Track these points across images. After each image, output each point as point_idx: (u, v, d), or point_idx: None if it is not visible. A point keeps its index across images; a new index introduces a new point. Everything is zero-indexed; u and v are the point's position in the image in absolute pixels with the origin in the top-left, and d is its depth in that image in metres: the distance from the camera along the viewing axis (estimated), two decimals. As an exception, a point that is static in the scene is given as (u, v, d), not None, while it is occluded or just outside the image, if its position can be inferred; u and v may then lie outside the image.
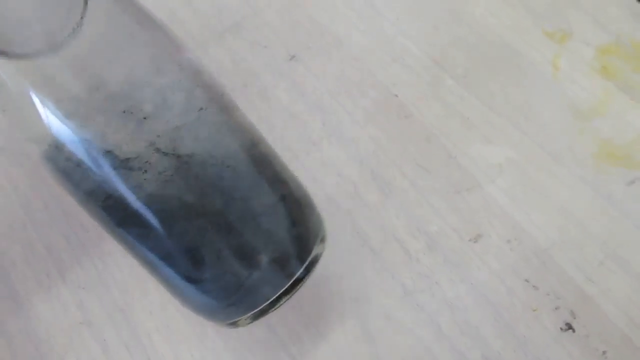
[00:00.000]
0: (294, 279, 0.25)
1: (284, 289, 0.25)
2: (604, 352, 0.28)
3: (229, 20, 0.38)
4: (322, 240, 0.27)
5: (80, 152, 0.20)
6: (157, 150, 0.21)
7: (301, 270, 0.26)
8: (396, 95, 0.35)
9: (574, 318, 0.29)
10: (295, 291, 0.26)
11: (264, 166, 0.25)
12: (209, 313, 0.26)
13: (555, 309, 0.29)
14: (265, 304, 0.25)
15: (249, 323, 0.26)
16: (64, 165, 0.21)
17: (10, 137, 0.36)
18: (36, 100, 0.20)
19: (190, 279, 0.24)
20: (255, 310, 0.25)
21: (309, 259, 0.26)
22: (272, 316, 0.27)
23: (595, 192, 0.32)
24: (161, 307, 0.31)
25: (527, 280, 0.30)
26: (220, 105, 0.23)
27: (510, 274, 0.30)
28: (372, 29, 0.37)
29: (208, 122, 0.22)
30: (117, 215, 0.22)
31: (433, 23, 0.37)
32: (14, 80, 0.20)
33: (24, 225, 0.33)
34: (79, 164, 0.21)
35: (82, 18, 0.19)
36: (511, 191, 0.32)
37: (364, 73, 0.36)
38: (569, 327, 0.29)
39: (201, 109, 0.22)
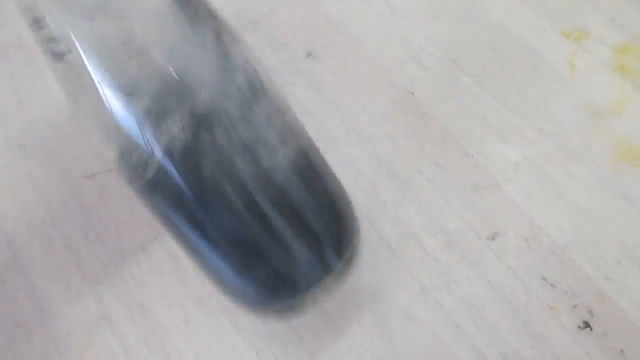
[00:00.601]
0: (331, 271, 0.26)
1: (320, 281, 0.26)
2: (622, 350, 0.28)
3: (246, 18, 0.38)
4: (358, 234, 0.28)
5: (136, 134, 0.21)
6: (212, 136, 0.21)
7: (338, 262, 0.26)
8: (413, 94, 0.35)
9: (592, 316, 0.29)
10: (334, 285, 0.26)
11: (308, 156, 0.25)
12: (250, 301, 0.26)
13: (573, 307, 0.29)
14: (302, 296, 0.26)
15: (285, 314, 0.27)
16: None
17: (30, 133, 0.36)
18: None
19: (233, 267, 0.24)
20: (293, 302, 0.26)
21: (347, 250, 0.26)
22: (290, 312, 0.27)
23: (612, 190, 0.32)
24: (180, 302, 0.31)
25: (544, 279, 0.30)
26: (271, 95, 0.24)
27: (528, 272, 0.30)
28: (389, 27, 0.38)
29: (262, 113, 0.22)
30: (168, 199, 0.22)
31: (450, 22, 0.37)
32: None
33: (43, 221, 0.33)
34: (136, 147, 0.21)
35: None
36: (528, 190, 0.32)
37: (381, 71, 0.36)
38: (587, 325, 0.29)
39: (256, 99, 0.22)
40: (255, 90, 0.23)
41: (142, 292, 0.31)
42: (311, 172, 0.25)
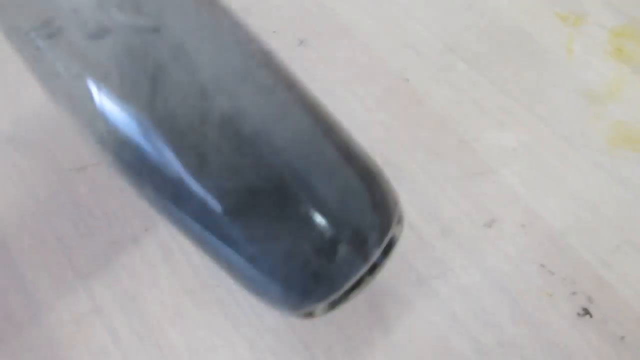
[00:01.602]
0: (371, 263, 0.23)
1: (359, 273, 0.23)
2: (622, 337, 0.28)
3: (237, 4, 0.37)
4: (400, 220, 0.25)
5: (138, 136, 0.20)
6: (222, 129, 0.20)
7: (379, 253, 0.24)
8: (407, 80, 0.35)
9: (591, 303, 0.29)
10: (374, 276, 0.24)
11: (338, 140, 0.23)
12: (281, 302, 0.24)
13: (572, 294, 0.29)
14: (341, 291, 0.23)
15: (325, 313, 0.24)
16: (128, 158, 0.21)
17: (18, 125, 0.35)
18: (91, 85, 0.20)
19: (261, 263, 0.22)
20: (331, 299, 0.23)
21: (387, 240, 0.24)
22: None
23: (610, 176, 0.31)
24: (172, 294, 0.30)
25: (542, 266, 0.30)
26: (286, 81, 0.23)
27: (525, 259, 0.30)
28: (382, 13, 0.37)
29: (275, 100, 0.22)
30: (187, 199, 0.21)
31: (444, 7, 0.37)
32: (69, 65, 0.20)
33: (32, 214, 0.33)
34: (142, 154, 0.20)
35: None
36: (525, 176, 0.32)
37: (374, 58, 0.36)
38: (586, 312, 0.29)
39: (270, 89, 0.22)
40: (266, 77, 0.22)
41: (134, 284, 0.31)
42: (338, 150, 0.23)
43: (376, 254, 0.23)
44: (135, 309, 0.30)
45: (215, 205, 0.21)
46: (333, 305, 0.24)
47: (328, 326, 0.29)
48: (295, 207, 0.21)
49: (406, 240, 0.31)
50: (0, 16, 0.21)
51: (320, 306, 0.24)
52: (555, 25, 0.35)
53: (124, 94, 0.20)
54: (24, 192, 0.34)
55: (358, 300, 0.30)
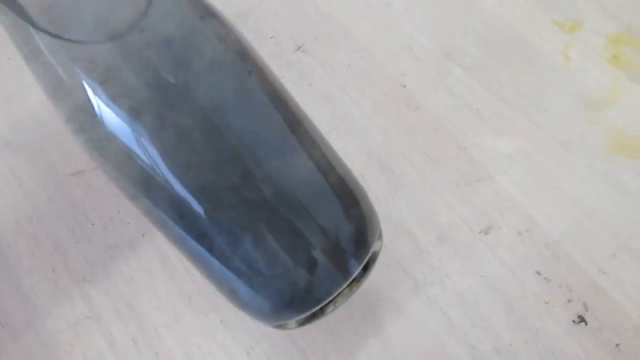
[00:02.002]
0: (351, 279, 0.23)
1: (340, 289, 0.23)
2: (617, 345, 0.28)
3: (235, 10, 0.38)
4: (380, 236, 0.25)
5: (129, 140, 0.20)
6: (208, 136, 0.20)
7: (359, 268, 0.23)
8: (404, 86, 0.35)
9: (587, 310, 0.29)
10: (353, 292, 0.24)
11: (316, 154, 0.23)
12: (258, 313, 0.24)
13: (568, 301, 0.29)
14: (318, 306, 0.23)
15: (299, 326, 0.24)
16: (115, 155, 0.21)
17: (15, 130, 0.35)
18: (87, 87, 0.20)
19: (239, 275, 0.22)
20: (306, 314, 0.23)
21: (368, 256, 0.24)
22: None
23: (606, 182, 0.31)
24: (169, 300, 0.30)
25: (538, 273, 0.30)
26: (270, 91, 0.23)
27: (522, 265, 0.30)
28: (379, 18, 0.37)
29: (257, 107, 0.22)
30: (166, 205, 0.21)
31: (442, 12, 0.37)
32: (68, 66, 0.20)
33: (29, 219, 0.33)
34: (130, 153, 0.20)
35: (146, 10, 0.20)
36: (522, 182, 0.32)
37: (372, 63, 0.36)
38: (582, 319, 0.29)
39: (262, 105, 0.22)
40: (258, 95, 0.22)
41: (131, 290, 0.31)
42: (317, 165, 0.23)
43: (356, 269, 0.23)
44: (132, 315, 0.30)
45: (199, 216, 0.21)
46: (309, 319, 0.24)
47: (324, 333, 0.29)
48: (276, 223, 0.21)
49: (403, 247, 0.31)
50: (3, 11, 0.21)
51: (296, 320, 0.24)
52: (552, 32, 0.36)
53: (126, 102, 0.20)
54: (21, 196, 0.34)
55: (354, 306, 0.30)
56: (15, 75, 0.37)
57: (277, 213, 0.21)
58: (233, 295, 0.23)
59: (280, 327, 0.25)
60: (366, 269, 0.24)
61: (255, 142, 0.21)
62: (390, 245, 0.31)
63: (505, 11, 0.36)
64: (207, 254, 0.22)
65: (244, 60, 0.22)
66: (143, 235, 0.32)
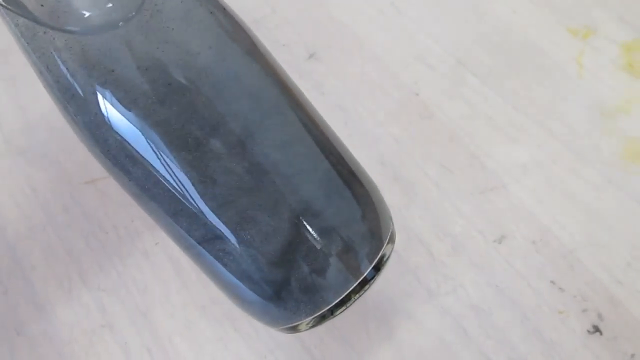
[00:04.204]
0: (361, 278, 0.23)
1: (350, 289, 0.23)
2: (632, 355, 0.28)
3: (248, 18, 0.37)
4: (392, 239, 0.25)
5: (135, 139, 0.20)
6: (214, 132, 0.20)
7: (370, 269, 0.23)
8: (418, 95, 0.35)
9: (602, 320, 0.29)
10: (362, 293, 0.23)
11: (329, 152, 0.23)
12: (267, 316, 0.24)
13: (583, 311, 0.29)
14: (328, 307, 0.23)
15: (309, 328, 0.24)
16: (121, 155, 0.21)
17: (30, 138, 0.35)
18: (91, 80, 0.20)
19: (248, 278, 0.22)
20: (317, 314, 0.23)
21: (378, 257, 0.23)
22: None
23: (621, 192, 0.31)
24: (183, 309, 0.30)
25: (553, 282, 0.30)
26: (279, 87, 0.23)
27: (536, 275, 0.30)
28: (393, 27, 0.37)
29: (272, 106, 0.22)
30: (172, 207, 0.21)
31: (456, 21, 0.37)
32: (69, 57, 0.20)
33: (43, 228, 0.33)
34: (135, 153, 0.20)
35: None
36: (536, 191, 0.32)
37: (386, 72, 0.36)
38: (597, 329, 0.29)
39: (271, 106, 0.22)
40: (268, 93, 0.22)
41: (144, 298, 0.31)
42: (330, 162, 0.23)
43: (367, 270, 0.23)
44: (146, 324, 0.30)
45: (209, 214, 0.21)
46: (319, 320, 0.24)
47: (338, 342, 0.29)
48: (288, 221, 0.21)
49: (416, 256, 0.31)
50: (12, 16, 0.21)
51: (306, 321, 0.24)
52: (566, 40, 0.35)
53: (136, 105, 0.20)
54: (35, 205, 0.34)
55: (368, 315, 0.30)
56: (30, 83, 0.37)
57: (286, 212, 0.21)
58: (240, 298, 0.23)
59: (291, 330, 0.24)
60: (377, 269, 0.24)
61: (266, 139, 0.21)
62: (404, 254, 0.31)
63: (520, 19, 0.36)
64: (214, 256, 0.22)
65: (255, 56, 0.22)
66: (157, 244, 0.32)
